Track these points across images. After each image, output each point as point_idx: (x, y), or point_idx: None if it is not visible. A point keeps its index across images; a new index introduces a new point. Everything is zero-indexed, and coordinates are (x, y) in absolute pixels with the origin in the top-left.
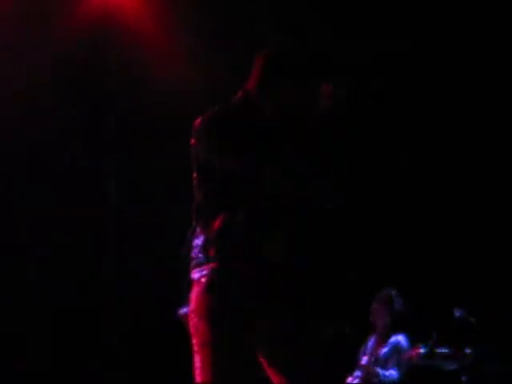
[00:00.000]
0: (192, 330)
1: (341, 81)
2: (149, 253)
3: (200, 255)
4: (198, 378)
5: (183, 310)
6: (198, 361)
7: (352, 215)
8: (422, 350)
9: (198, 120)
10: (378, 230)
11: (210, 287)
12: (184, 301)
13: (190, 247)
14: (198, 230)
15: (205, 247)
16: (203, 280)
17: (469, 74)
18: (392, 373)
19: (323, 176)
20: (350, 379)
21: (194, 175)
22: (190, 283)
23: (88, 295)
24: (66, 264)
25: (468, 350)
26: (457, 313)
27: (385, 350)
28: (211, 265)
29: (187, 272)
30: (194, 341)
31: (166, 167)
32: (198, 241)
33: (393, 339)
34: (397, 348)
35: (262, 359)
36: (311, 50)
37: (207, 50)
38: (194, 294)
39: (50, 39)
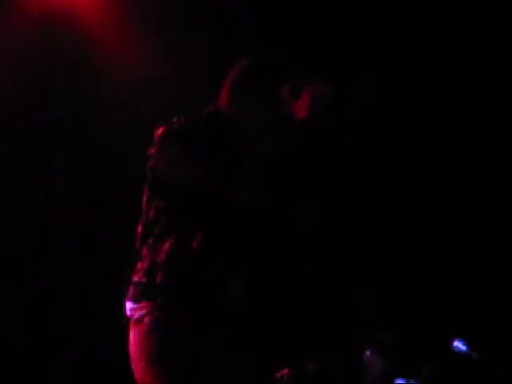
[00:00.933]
0: (138, 376)
1: (323, 91)
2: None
3: (143, 280)
4: None
5: None
6: None
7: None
8: None
9: (162, 128)
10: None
11: (154, 330)
12: None
13: (133, 270)
14: (144, 251)
15: (150, 271)
16: (146, 319)
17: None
18: None
19: (299, 198)
20: None
21: (146, 188)
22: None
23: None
24: None
25: None
26: (456, 345)
27: None
28: (154, 302)
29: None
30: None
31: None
32: (143, 264)
33: None
34: None
35: None
36: (288, 59)
37: (164, 50)
38: (136, 335)
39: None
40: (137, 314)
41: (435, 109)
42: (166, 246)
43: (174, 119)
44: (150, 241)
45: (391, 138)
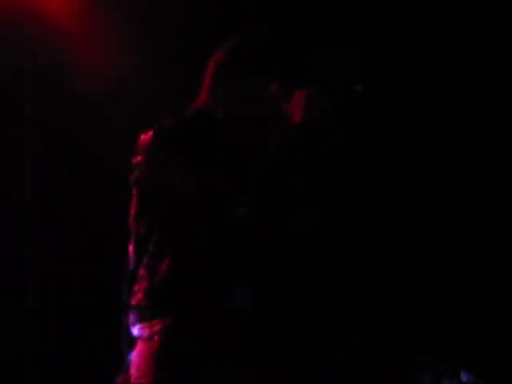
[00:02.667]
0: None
1: (319, 90)
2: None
3: (145, 303)
4: None
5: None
6: None
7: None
8: None
9: (148, 134)
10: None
11: (163, 351)
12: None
13: (129, 293)
14: (140, 272)
15: (151, 294)
16: (156, 338)
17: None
18: None
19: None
20: None
21: (134, 201)
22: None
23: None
24: None
25: None
26: (464, 377)
27: None
28: (163, 321)
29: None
30: None
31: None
32: (141, 285)
33: None
34: None
35: None
36: (278, 46)
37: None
38: (142, 354)
39: None
40: (147, 333)
41: (433, 110)
42: (164, 265)
43: (158, 124)
44: (145, 260)
45: (387, 141)
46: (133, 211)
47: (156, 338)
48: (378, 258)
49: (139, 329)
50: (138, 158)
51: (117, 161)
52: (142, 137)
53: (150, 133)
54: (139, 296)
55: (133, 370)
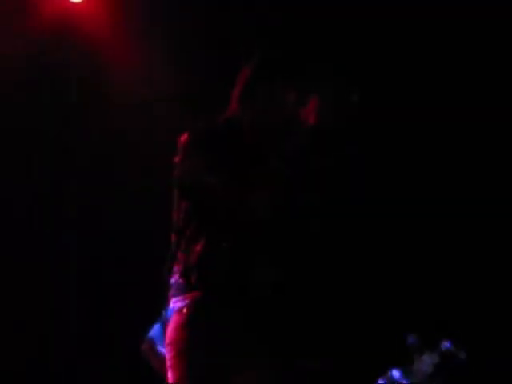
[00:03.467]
0: (168, 363)
1: (330, 95)
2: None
3: (180, 281)
4: None
5: (146, 344)
6: (170, 373)
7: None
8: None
9: (185, 136)
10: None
11: (190, 322)
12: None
13: (170, 273)
14: (178, 254)
15: (186, 273)
16: (185, 311)
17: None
18: None
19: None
20: None
21: (175, 194)
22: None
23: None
24: None
25: None
26: (444, 345)
27: None
28: (194, 294)
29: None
30: (170, 374)
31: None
32: (179, 266)
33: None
34: None
35: None
36: (294, 60)
37: (168, 55)
38: (173, 324)
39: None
40: (178, 305)
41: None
42: (197, 248)
43: (194, 127)
44: (183, 244)
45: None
46: (175, 203)
47: (185, 310)
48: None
49: (174, 302)
50: (177, 157)
51: (158, 162)
52: (181, 138)
53: (186, 135)
54: (176, 275)
55: (167, 338)
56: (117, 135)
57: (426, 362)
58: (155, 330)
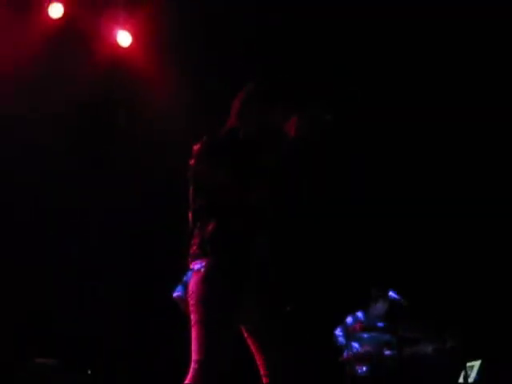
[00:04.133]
0: (190, 308)
1: (306, 115)
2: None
3: (198, 251)
4: (193, 355)
5: (176, 294)
6: (193, 332)
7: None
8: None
9: (198, 145)
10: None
11: (206, 277)
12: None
13: (189, 245)
14: (195, 232)
15: (201, 245)
16: (202, 270)
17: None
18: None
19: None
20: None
21: (191, 189)
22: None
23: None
24: None
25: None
26: (390, 294)
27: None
28: (208, 259)
29: (186, 265)
30: (192, 317)
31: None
32: (196, 240)
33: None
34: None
35: (247, 337)
36: (280, 88)
37: (200, 93)
38: (194, 280)
39: (69, 79)
40: (197, 266)
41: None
42: (210, 227)
43: (204, 138)
44: (198, 224)
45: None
46: (190, 195)
47: (202, 270)
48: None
49: (193, 265)
50: (192, 161)
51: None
52: (195, 147)
53: (199, 144)
54: (194, 247)
55: (189, 290)
56: (155, 149)
57: (380, 307)
58: (179, 288)
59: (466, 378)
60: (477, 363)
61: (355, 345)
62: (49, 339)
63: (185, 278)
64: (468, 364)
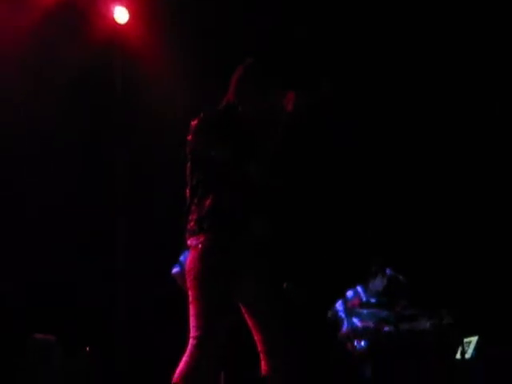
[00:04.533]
0: (188, 285)
1: (303, 92)
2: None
3: (195, 227)
4: (191, 331)
5: (175, 270)
6: (191, 309)
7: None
8: (363, 299)
9: (195, 121)
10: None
11: (203, 254)
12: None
13: (186, 221)
14: (193, 207)
15: (199, 221)
16: (200, 246)
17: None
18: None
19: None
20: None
21: (188, 165)
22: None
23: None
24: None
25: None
26: (387, 271)
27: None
28: (205, 235)
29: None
30: (190, 293)
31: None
32: (193, 216)
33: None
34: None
35: (245, 313)
36: (274, 66)
37: (197, 69)
38: (191, 257)
39: (68, 57)
40: (194, 243)
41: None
42: (207, 203)
43: (201, 113)
44: (196, 200)
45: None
46: (187, 170)
47: (200, 246)
48: None
49: (190, 241)
50: (189, 136)
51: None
52: (192, 122)
53: (196, 120)
54: (191, 223)
55: (187, 266)
56: (152, 124)
57: (378, 283)
58: (177, 265)
59: (463, 353)
60: (474, 339)
61: (355, 320)
62: (48, 315)
63: (182, 257)
64: (465, 340)
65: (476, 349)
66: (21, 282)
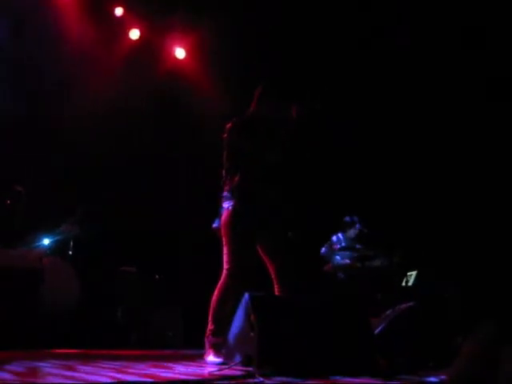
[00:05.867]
0: (222, 233)
1: (305, 104)
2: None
3: (228, 195)
4: (225, 265)
5: (214, 225)
6: (224, 250)
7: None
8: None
9: (229, 124)
10: None
11: (232, 213)
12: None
13: (222, 191)
14: (226, 182)
15: (230, 191)
16: (230, 208)
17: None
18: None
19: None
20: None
21: (224, 154)
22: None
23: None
24: None
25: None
26: (357, 226)
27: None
28: (234, 200)
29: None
30: (223, 240)
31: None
32: (227, 187)
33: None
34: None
35: (261, 254)
36: (286, 85)
37: (232, 87)
38: (224, 215)
39: (142, 82)
40: (226, 205)
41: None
42: (236, 179)
43: (234, 118)
44: (228, 177)
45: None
46: (223, 157)
47: (230, 207)
48: None
49: (224, 204)
50: (224, 135)
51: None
52: (227, 125)
53: (230, 123)
54: (225, 192)
55: (222, 222)
56: (204, 128)
57: (352, 232)
58: (216, 221)
59: (406, 282)
60: (414, 272)
61: (337, 257)
62: (130, 252)
63: (220, 211)
64: (408, 273)
65: (415, 279)
66: (111, 228)
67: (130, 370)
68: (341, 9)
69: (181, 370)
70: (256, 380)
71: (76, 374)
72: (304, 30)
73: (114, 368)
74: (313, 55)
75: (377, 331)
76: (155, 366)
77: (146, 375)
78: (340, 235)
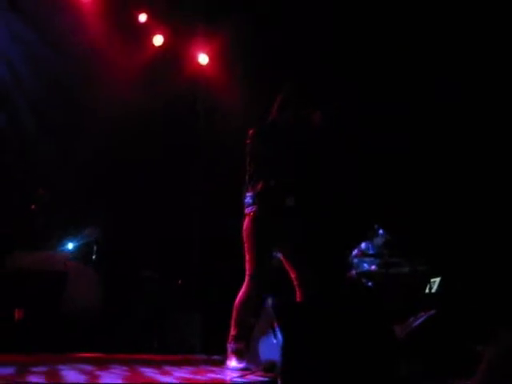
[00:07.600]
0: (244, 239)
1: (325, 110)
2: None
3: (250, 201)
4: (247, 271)
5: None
6: (246, 255)
7: None
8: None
9: (251, 130)
10: None
11: (253, 218)
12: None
13: (245, 197)
14: (249, 188)
15: (253, 197)
16: (251, 214)
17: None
18: None
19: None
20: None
21: (248, 160)
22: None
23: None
24: None
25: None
26: (381, 232)
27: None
28: (255, 206)
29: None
30: (245, 245)
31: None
32: (249, 194)
33: None
34: None
35: (283, 259)
36: (308, 92)
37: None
38: (246, 220)
39: (165, 88)
40: (249, 211)
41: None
42: (259, 186)
43: (256, 126)
44: (252, 183)
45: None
46: (247, 164)
47: (252, 213)
48: None
49: (247, 209)
50: (248, 141)
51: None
52: (249, 131)
53: (252, 130)
54: (248, 198)
55: (244, 226)
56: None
57: (379, 240)
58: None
59: (430, 289)
60: (438, 279)
61: (365, 265)
62: (152, 257)
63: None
64: (431, 280)
65: (439, 286)
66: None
67: (163, 374)
68: (363, 16)
69: (201, 378)
70: None
71: (97, 380)
72: (328, 37)
73: (151, 371)
74: (337, 62)
75: (400, 338)
76: (181, 371)
77: (181, 378)
78: (364, 244)
